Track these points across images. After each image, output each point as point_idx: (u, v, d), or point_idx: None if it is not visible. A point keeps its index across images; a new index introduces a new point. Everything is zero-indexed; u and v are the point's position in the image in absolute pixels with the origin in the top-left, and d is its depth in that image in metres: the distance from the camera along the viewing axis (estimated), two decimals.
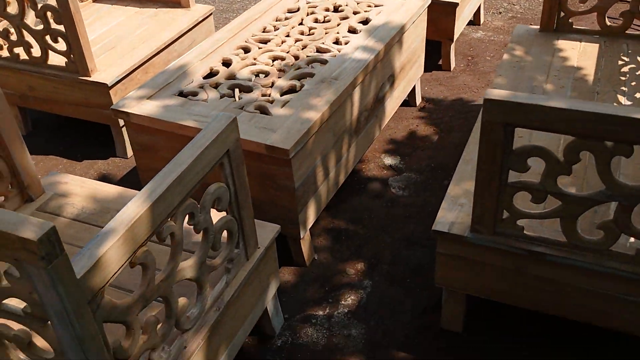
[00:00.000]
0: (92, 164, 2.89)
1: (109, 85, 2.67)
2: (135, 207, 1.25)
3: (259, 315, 1.87)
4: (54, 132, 3.13)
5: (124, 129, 2.83)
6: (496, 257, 1.76)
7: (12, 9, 2.71)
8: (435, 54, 3.48)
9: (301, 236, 2.17)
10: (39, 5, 2.61)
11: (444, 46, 3.37)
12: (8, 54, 2.86)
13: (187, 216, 1.42)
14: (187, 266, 1.45)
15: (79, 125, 3.09)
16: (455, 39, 3.34)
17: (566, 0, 2.64)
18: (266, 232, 1.83)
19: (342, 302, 2.13)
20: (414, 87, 3.07)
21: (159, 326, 1.40)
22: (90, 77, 2.69)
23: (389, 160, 2.77)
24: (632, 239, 1.68)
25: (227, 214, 1.61)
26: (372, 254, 2.31)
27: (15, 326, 1.27)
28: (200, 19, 3.21)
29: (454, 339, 1.97)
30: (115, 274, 1.20)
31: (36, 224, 1.02)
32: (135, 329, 1.30)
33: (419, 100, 3.16)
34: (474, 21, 3.86)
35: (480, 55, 3.55)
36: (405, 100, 3.11)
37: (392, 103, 2.76)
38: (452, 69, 3.43)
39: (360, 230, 2.42)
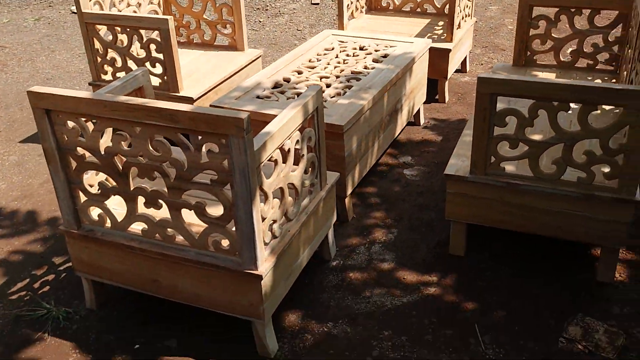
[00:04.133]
0: None
1: (194, 98, 3.56)
2: (274, 124, 2.11)
3: (324, 236, 2.68)
4: None
5: None
6: (486, 190, 2.61)
7: (121, 42, 3.64)
8: (432, 91, 4.44)
9: (346, 194, 3.01)
10: (144, 39, 3.54)
11: (439, 83, 4.35)
12: (112, 78, 3.76)
13: (295, 142, 2.27)
14: (294, 175, 2.29)
15: None
16: (448, 78, 4.31)
17: (531, 43, 3.63)
18: (330, 176, 2.68)
19: (377, 241, 2.95)
20: (419, 110, 4.00)
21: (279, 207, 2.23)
22: (179, 92, 3.59)
23: (402, 159, 3.65)
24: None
25: (312, 152, 2.46)
26: (395, 214, 3.15)
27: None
28: (253, 59, 4.17)
29: (459, 260, 2.79)
30: (266, 158, 2.04)
31: (240, 113, 1.87)
32: (270, 199, 2.13)
33: (422, 121, 4.09)
34: (461, 69, 4.87)
35: (468, 93, 4.51)
36: (411, 122, 4.03)
37: (405, 115, 3.68)
38: (446, 102, 4.39)
39: (385, 201, 3.26)
